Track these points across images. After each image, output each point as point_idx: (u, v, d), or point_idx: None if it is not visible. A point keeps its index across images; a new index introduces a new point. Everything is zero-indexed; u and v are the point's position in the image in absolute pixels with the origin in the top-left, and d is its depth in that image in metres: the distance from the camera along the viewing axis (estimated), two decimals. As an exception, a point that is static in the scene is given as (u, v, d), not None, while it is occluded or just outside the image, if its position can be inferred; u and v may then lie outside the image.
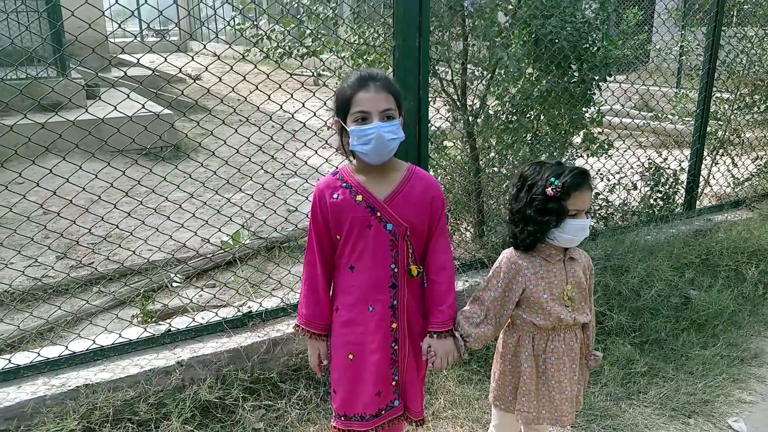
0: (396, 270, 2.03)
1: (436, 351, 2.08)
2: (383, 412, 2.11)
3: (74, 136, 2.85)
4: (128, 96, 2.91)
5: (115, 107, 2.89)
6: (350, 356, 2.06)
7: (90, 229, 3.01)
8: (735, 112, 5.41)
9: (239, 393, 2.81)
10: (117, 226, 3.01)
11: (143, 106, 2.90)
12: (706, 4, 4.89)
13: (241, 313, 3.11)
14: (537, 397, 2.14)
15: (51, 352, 2.78)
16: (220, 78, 2.96)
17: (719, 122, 5.42)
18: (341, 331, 2.09)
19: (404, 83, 3.06)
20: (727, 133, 5.40)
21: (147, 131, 3.04)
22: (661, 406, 3.06)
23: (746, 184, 5.50)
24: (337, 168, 2.10)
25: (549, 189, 1.99)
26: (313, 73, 3.67)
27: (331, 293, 2.15)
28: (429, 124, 3.35)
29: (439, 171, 4.08)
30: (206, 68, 3.01)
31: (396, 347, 2.08)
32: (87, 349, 2.81)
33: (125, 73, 2.91)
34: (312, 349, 2.18)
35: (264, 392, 2.91)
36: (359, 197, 1.98)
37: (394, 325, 2.06)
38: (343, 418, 2.09)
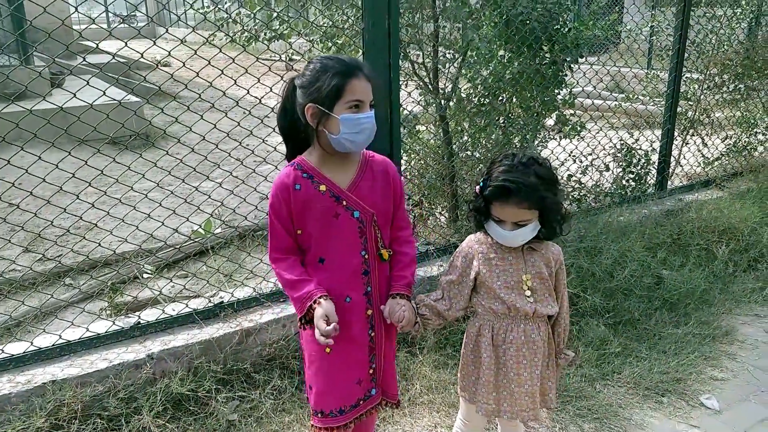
0: (367, 256, 1.99)
1: (405, 309, 2.00)
2: (361, 402, 2.08)
3: (39, 125, 2.74)
4: (87, 83, 2.80)
5: (74, 95, 2.80)
6: (327, 350, 1.99)
7: (52, 221, 2.91)
8: (705, 92, 5.45)
9: (212, 385, 2.76)
10: (80, 218, 2.92)
11: (104, 93, 2.80)
12: (675, -17, 4.90)
13: (212, 304, 3.05)
14: (497, 389, 2.09)
15: (15, 348, 2.70)
16: (183, 63, 2.88)
17: (689, 102, 5.45)
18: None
19: (375, 66, 2.99)
20: (697, 113, 5.44)
21: (115, 119, 2.93)
22: (635, 385, 3.08)
23: (716, 163, 5.56)
24: (293, 159, 1.99)
25: (477, 187, 1.98)
26: (280, 57, 3.58)
27: None
28: (401, 108, 3.31)
29: (412, 155, 4.04)
30: (169, 53, 2.93)
31: (373, 333, 2.05)
32: (53, 345, 2.73)
33: (84, 58, 2.82)
34: (322, 313, 1.87)
35: (237, 383, 2.87)
36: (323, 187, 1.92)
37: (369, 312, 2.03)
38: (320, 415, 2.03)
